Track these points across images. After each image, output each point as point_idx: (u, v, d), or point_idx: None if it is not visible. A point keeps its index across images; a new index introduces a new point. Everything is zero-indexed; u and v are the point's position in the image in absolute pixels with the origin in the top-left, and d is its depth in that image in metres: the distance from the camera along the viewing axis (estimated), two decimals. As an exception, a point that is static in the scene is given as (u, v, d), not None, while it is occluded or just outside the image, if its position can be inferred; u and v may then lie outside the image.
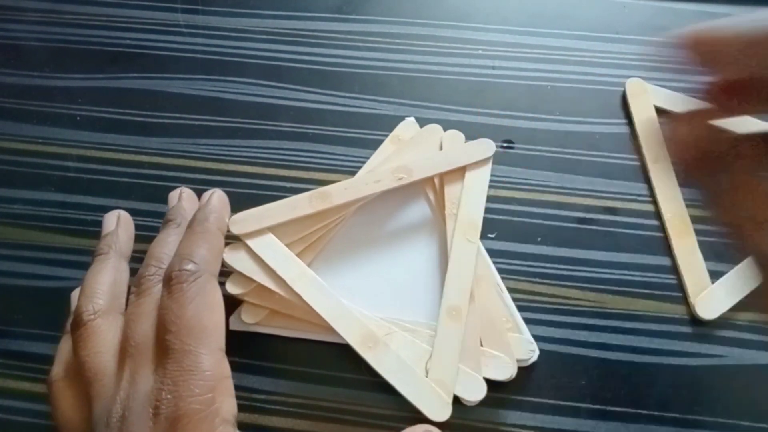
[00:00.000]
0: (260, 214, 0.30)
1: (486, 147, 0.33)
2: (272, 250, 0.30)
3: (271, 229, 0.30)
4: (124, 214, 0.31)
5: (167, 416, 0.21)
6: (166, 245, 0.27)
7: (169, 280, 0.24)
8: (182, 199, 0.30)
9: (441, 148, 0.33)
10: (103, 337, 0.25)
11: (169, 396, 0.22)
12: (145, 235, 0.32)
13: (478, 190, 0.32)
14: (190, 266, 0.25)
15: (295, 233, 0.30)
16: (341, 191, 0.31)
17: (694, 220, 0.32)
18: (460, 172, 0.32)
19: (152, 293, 0.25)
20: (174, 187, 0.31)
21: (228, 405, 0.23)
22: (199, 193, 0.30)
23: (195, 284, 0.24)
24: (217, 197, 0.29)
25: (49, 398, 0.26)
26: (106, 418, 0.23)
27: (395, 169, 0.31)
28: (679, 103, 0.34)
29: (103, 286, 0.27)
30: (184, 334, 0.23)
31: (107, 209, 0.33)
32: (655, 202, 0.33)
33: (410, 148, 0.33)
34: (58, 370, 0.26)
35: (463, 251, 0.30)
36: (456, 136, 0.34)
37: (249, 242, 0.30)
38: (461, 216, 0.31)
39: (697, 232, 0.32)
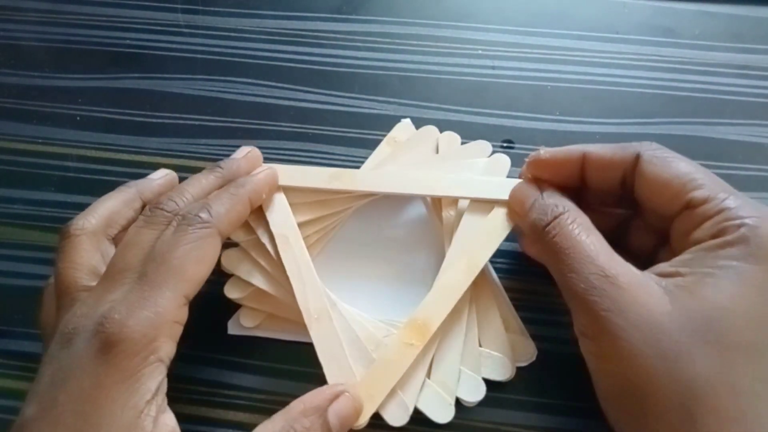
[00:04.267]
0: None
1: (483, 149, 0.33)
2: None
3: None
4: (174, 175, 0.32)
5: (108, 336, 0.22)
6: (197, 186, 0.28)
7: (183, 218, 0.25)
8: (245, 157, 0.30)
9: (437, 150, 0.33)
10: (83, 253, 0.26)
11: (116, 316, 0.22)
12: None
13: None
14: (203, 214, 0.25)
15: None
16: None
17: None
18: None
19: (157, 228, 0.26)
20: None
21: (168, 348, 0.23)
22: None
23: (199, 232, 0.25)
24: (267, 175, 0.30)
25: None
26: (63, 328, 0.23)
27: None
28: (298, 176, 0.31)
29: (104, 211, 0.28)
30: (163, 269, 0.24)
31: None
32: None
33: (406, 150, 0.33)
34: (51, 277, 0.27)
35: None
36: (452, 137, 0.34)
37: None
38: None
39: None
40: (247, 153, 0.30)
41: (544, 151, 0.28)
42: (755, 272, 0.22)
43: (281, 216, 0.30)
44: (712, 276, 0.22)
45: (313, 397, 0.25)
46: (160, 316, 0.23)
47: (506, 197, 0.29)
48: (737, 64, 0.37)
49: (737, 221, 0.23)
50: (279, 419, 0.24)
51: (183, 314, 0.24)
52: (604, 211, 0.28)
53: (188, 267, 0.24)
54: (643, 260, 0.25)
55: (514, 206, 0.29)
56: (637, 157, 0.25)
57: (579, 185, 0.28)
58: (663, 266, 0.24)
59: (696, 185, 0.24)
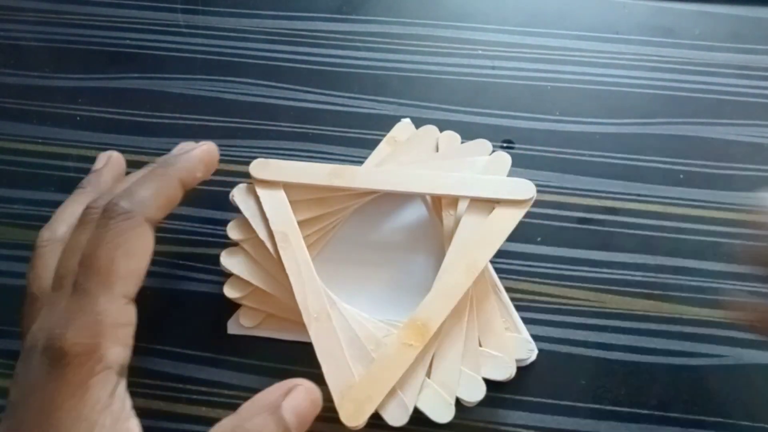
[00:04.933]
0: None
1: (483, 148, 0.33)
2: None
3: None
4: (116, 155, 0.31)
5: (54, 351, 0.21)
6: (134, 179, 0.27)
7: (103, 212, 0.24)
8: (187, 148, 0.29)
9: (437, 150, 0.33)
10: (47, 263, 0.25)
11: (58, 331, 0.22)
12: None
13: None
14: (124, 203, 0.24)
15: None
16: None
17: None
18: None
19: (89, 227, 0.25)
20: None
21: (116, 353, 0.22)
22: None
23: (122, 224, 0.23)
24: (203, 151, 0.28)
25: None
26: (25, 344, 0.23)
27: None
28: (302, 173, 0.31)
29: (68, 217, 0.27)
30: (91, 274, 0.23)
31: (107, 209, 0.33)
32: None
33: (406, 150, 0.33)
34: None
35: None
36: (452, 136, 0.34)
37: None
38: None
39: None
40: (193, 147, 0.29)
41: None
42: None
43: (281, 213, 0.30)
44: None
45: (266, 394, 0.24)
46: (99, 323, 0.22)
47: (507, 196, 0.29)
48: (737, 64, 0.37)
49: None
50: (229, 420, 0.23)
51: (127, 314, 0.23)
52: None
53: (118, 266, 0.23)
54: None
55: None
56: None
57: None
58: None
59: None
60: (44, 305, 0.24)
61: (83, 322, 0.22)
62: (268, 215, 0.30)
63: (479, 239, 0.29)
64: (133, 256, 0.24)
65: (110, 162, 0.31)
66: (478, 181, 0.30)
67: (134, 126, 0.36)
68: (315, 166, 0.31)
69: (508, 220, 0.29)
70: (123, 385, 0.23)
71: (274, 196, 0.30)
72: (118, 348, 0.23)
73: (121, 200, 0.24)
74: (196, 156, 0.27)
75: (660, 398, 0.29)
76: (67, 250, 0.25)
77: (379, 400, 0.26)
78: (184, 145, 0.30)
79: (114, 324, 0.23)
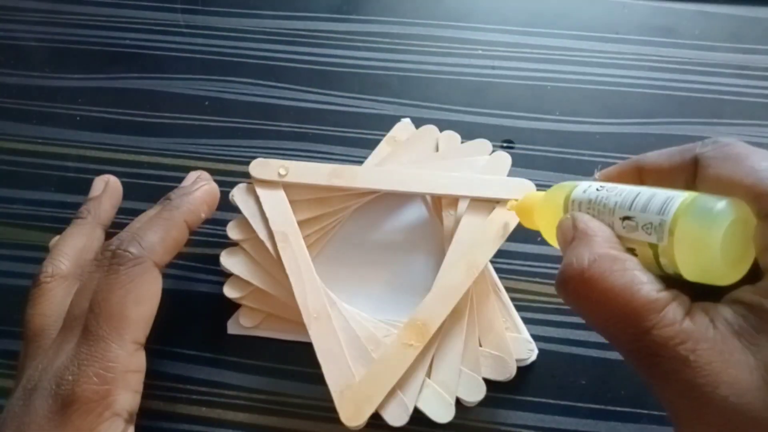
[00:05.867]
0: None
1: (483, 147, 0.33)
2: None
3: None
4: (113, 180, 0.31)
5: (63, 397, 0.22)
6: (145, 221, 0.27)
7: (111, 257, 0.24)
8: (194, 183, 0.29)
9: (437, 150, 0.33)
10: (52, 300, 0.25)
11: (70, 377, 0.22)
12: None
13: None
14: (133, 249, 0.24)
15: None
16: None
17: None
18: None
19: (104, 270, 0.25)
20: (173, 188, 0.31)
21: (125, 400, 0.23)
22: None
23: (132, 270, 0.24)
24: (204, 191, 0.28)
25: None
26: (26, 383, 0.23)
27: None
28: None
29: (71, 251, 0.27)
30: (103, 320, 0.23)
31: (107, 209, 0.33)
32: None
33: (406, 149, 0.33)
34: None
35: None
36: (452, 136, 0.34)
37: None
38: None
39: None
40: (196, 178, 0.29)
41: (598, 175, 0.24)
42: None
43: (280, 213, 0.30)
44: None
45: None
46: (111, 370, 0.22)
47: (507, 196, 0.29)
48: (737, 65, 0.37)
49: None
50: None
51: (137, 361, 0.24)
52: None
53: (129, 312, 0.23)
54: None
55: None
56: (696, 162, 0.20)
57: None
58: (744, 292, 0.17)
59: None
60: (49, 345, 0.24)
61: (95, 368, 0.22)
62: (268, 215, 0.30)
63: (479, 239, 0.29)
64: (143, 302, 0.24)
65: (108, 188, 0.30)
66: (478, 181, 0.30)
67: (134, 126, 0.36)
68: (315, 166, 0.31)
69: (508, 220, 0.29)
70: (130, 431, 0.23)
71: (274, 196, 0.30)
72: (128, 394, 0.23)
73: (130, 246, 0.24)
74: (199, 197, 0.28)
75: (660, 398, 0.29)
76: (83, 290, 0.25)
77: (379, 400, 0.26)
78: (191, 176, 0.30)
79: (125, 371, 0.23)
